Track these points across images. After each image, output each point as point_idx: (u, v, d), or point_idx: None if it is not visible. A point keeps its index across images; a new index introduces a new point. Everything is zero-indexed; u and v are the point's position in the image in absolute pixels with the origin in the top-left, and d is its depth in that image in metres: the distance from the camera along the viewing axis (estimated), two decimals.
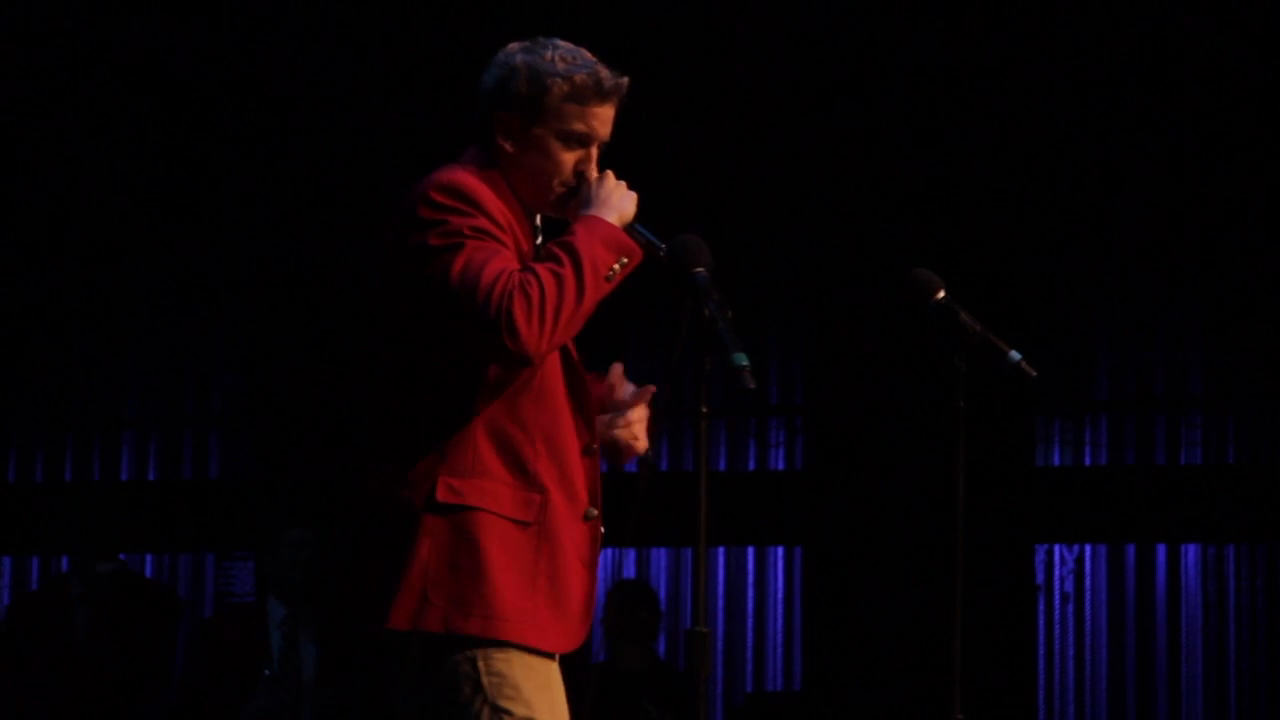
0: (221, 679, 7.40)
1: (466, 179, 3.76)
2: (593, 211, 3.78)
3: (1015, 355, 4.39)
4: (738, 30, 8.47)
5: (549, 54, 3.83)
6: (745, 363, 3.65)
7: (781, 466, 9.16)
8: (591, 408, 3.88)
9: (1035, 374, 4.37)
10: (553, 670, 3.80)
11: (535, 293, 3.63)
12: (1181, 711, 8.91)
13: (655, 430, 3.96)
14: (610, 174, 3.86)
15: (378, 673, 3.81)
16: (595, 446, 3.87)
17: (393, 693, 3.79)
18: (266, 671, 7.36)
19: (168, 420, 9.56)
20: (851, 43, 8.56)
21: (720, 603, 9.23)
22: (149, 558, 9.50)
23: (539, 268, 3.67)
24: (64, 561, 9.20)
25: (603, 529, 3.89)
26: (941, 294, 4.42)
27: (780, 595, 9.24)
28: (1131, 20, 8.41)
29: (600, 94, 3.83)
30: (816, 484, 8.77)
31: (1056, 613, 8.99)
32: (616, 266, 3.73)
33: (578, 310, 3.69)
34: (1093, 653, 8.99)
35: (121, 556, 8.61)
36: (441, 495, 3.71)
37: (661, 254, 3.76)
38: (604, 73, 3.83)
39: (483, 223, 3.71)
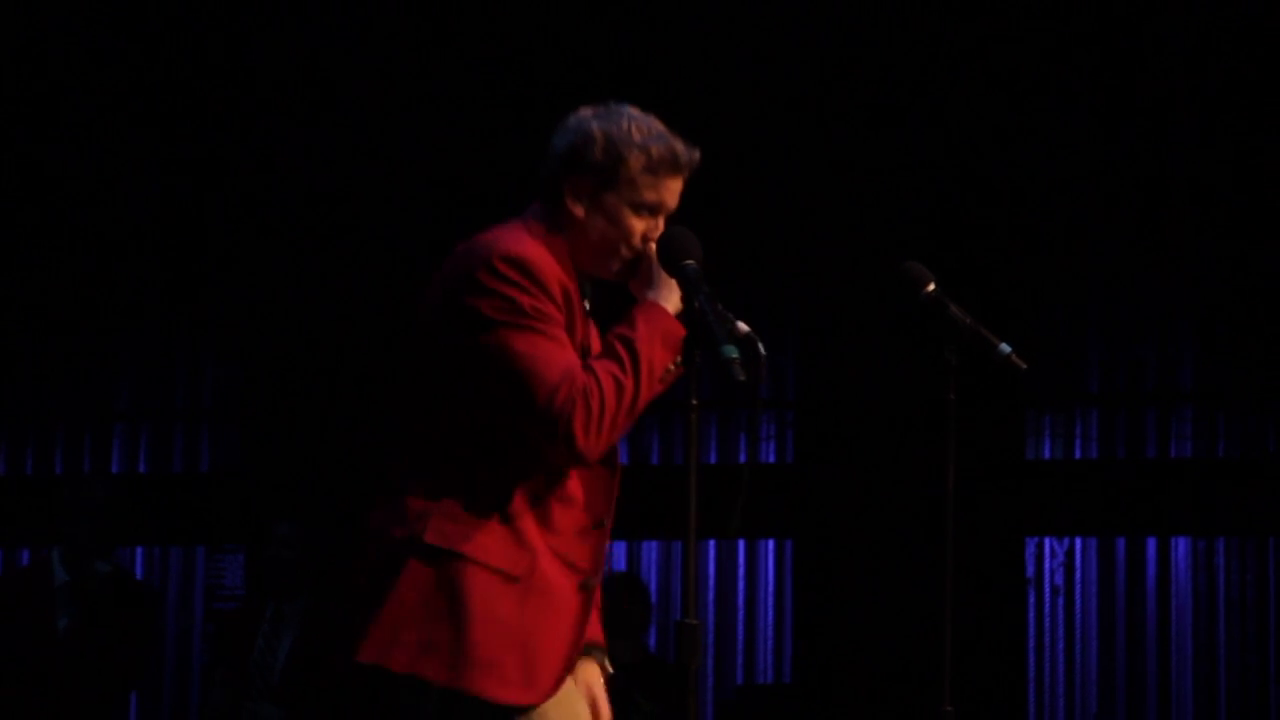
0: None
1: (532, 252, 3.75)
2: (654, 295, 3.80)
3: (1006, 348, 4.39)
4: (729, 22, 8.47)
5: (625, 124, 3.84)
6: (735, 355, 3.66)
7: (773, 459, 9.16)
8: (614, 482, 3.87)
9: (1026, 367, 4.37)
10: (570, 690, 3.80)
11: (596, 404, 3.65)
12: (1171, 704, 8.92)
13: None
14: None
15: (347, 701, 3.80)
16: (607, 522, 3.86)
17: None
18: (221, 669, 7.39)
19: (158, 413, 9.56)
20: (841, 35, 8.56)
21: (711, 595, 9.24)
22: (139, 550, 9.50)
23: (601, 372, 3.68)
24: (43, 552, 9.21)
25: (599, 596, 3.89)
26: (932, 287, 4.42)
27: (771, 588, 9.25)
28: (1126, 16, 8.41)
29: (675, 168, 3.85)
30: (807, 477, 8.77)
31: (1047, 605, 9.00)
32: (671, 367, 3.77)
33: (632, 415, 3.73)
34: (1083, 645, 9.00)
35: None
36: (431, 538, 3.70)
37: (696, 306, 3.73)
38: (680, 147, 3.85)
39: (545, 305, 3.71)
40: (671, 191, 3.87)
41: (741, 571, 9.28)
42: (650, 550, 9.25)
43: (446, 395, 3.74)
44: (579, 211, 3.83)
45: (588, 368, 3.69)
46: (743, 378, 3.65)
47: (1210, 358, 8.86)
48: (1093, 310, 8.85)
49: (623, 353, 3.71)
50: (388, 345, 8.40)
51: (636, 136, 3.83)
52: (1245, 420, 8.87)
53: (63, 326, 9.29)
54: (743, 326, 3.77)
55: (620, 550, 9.20)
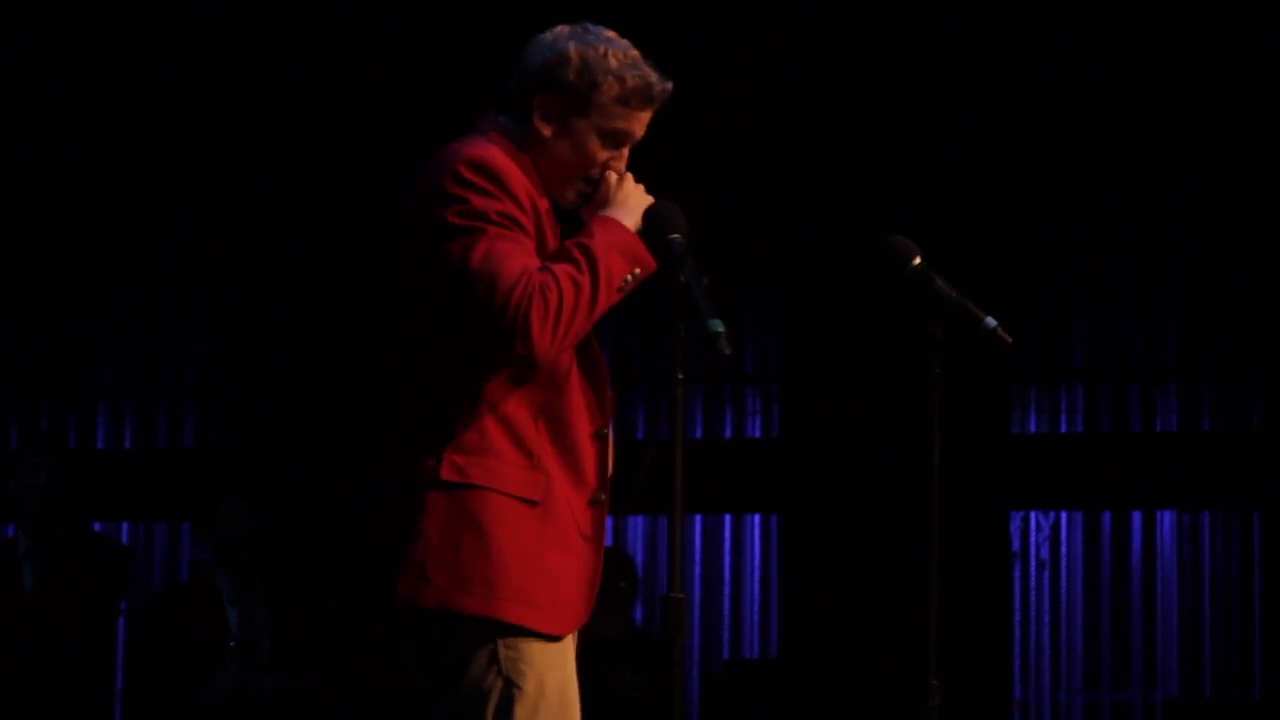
0: (176, 654, 7.39)
1: (497, 158, 3.74)
2: (610, 213, 3.78)
3: (991, 322, 4.39)
4: (718, 7, 8.47)
5: (602, 48, 3.81)
6: (721, 329, 3.65)
7: (758, 434, 9.16)
8: (606, 390, 3.86)
9: (1011, 341, 4.37)
10: (565, 648, 3.79)
11: (554, 300, 3.62)
12: (1156, 677, 8.94)
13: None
14: (630, 176, 3.85)
15: (393, 646, 3.80)
16: (607, 431, 3.85)
17: (411, 664, 3.78)
18: (231, 644, 7.35)
19: (143, 389, 9.54)
20: (828, 16, 8.55)
21: (697, 570, 9.24)
22: (124, 525, 9.49)
23: (558, 272, 3.65)
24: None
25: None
26: (917, 261, 4.42)
27: (757, 563, 9.25)
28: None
29: (648, 100, 3.83)
30: (793, 452, 8.77)
31: (1032, 579, 9.01)
32: (630, 277, 3.73)
33: (589, 318, 3.70)
34: (1068, 619, 9.02)
35: (98, 526, 8.62)
36: (446, 473, 3.70)
37: (681, 280, 3.73)
38: (654, 78, 3.83)
39: (509, 208, 3.69)
40: (640, 122, 3.85)
41: (728, 546, 9.28)
42: (636, 525, 9.25)
43: (427, 311, 3.73)
44: (546, 131, 3.81)
45: (544, 268, 3.66)
46: (729, 352, 3.65)
47: (1195, 331, 8.87)
48: (1077, 284, 8.85)
49: (579, 256, 3.69)
50: (372, 308, 8.39)
51: (613, 63, 3.81)
52: (1230, 394, 8.88)
53: (47, 302, 9.27)
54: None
55: (606, 525, 9.19)
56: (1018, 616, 8.93)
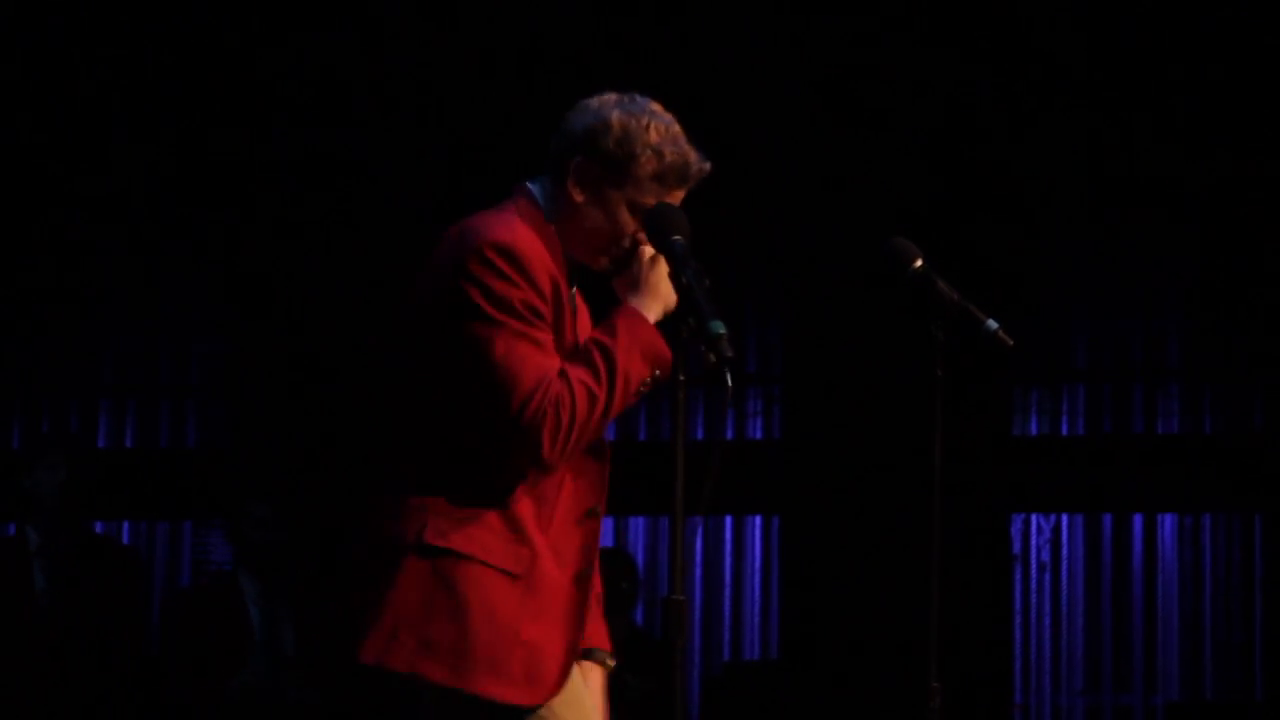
0: (201, 650, 7.39)
1: (523, 242, 3.70)
2: (638, 301, 3.76)
3: (993, 324, 4.38)
4: (720, 9, 8.47)
5: (645, 120, 3.78)
6: (723, 330, 3.64)
7: (759, 436, 9.17)
8: (604, 470, 3.84)
9: (1013, 343, 4.37)
10: (575, 682, 3.77)
11: (567, 415, 3.62)
12: (1157, 679, 8.94)
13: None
14: (663, 259, 3.80)
15: (357, 700, 3.79)
16: (599, 510, 3.83)
17: None
18: (259, 639, 7.35)
19: (145, 388, 9.55)
20: (831, 16, 8.55)
21: (698, 572, 9.24)
22: (126, 525, 9.50)
23: (575, 382, 3.64)
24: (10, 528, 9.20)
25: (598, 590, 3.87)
26: (919, 263, 4.41)
27: (758, 564, 9.26)
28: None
29: (683, 180, 3.81)
30: (794, 453, 8.77)
31: (1033, 581, 9.02)
32: (648, 380, 3.73)
33: (601, 427, 3.71)
34: (1069, 621, 9.02)
35: (99, 526, 8.62)
36: (430, 537, 3.67)
37: (684, 282, 3.69)
38: (692, 158, 3.81)
39: (531, 297, 3.66)
40: (674, 199, 3.81)
41: (729, 547, 9.29)
42: (637, 526, 9.25)
43: (436, 386, 3.71)
44: (578, 197, 3.78)
45: (562, 374, 3.65)
46: (730, 354, 3.64)
47: (1196, 333, 8.86)
48: (1079, 286, 8.85)
49: (599, 362, 3.68)
50: (375, 322, 8.39)
51: (654, 137, 3.78)
52: (1231, 396, 8.88)
53: (49, 302, 9.28)
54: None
55: (607, 526, 9.17)
56: (1019, 619, 8.94)
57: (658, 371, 3.73)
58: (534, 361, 3.63)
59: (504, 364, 3.62)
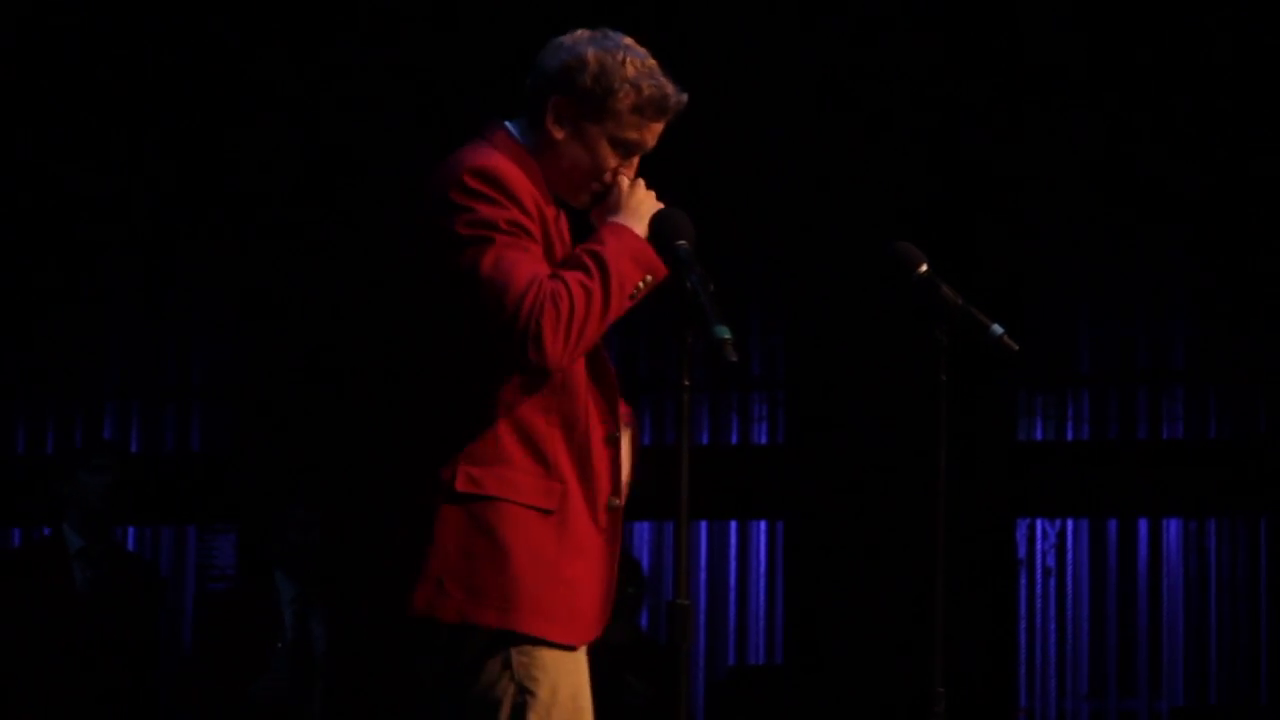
0: (230, 654, 7.39)
1: (502, 165, 3.73)
2: (621, 220, 3.78)
3: (997, 329, 4.39)
4: (720, 8, 8.47)
5: (621, 55, 3.80)
6: (727, 336, 3.64)
7: (764, 440, 9.16)
8: (615, 394, 3.85)
9: (1017, 348, 4.37)
10: (579, 655, 3.79)
11: (565, 307, 3.62)
12: (1162, 685, 8.93)
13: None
14: (641, 183, 3.85)
15: (405, 655, 3.80)
16: (618, 435, 3.84)
17: (424, 675, 3.77)
18: (279, 644, 7.35)
19: (149, 392, 9.54)
20: (834, 18, 8.55)
21: (703, 576, 9.24)
22: (130, 530, 9.49)
23: (569, 279, 3.65)
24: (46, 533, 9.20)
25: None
26: (923, 268, 4.41)
27: (763, 569, 9.25)
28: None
29: (662, 111, 3.82)
30: (799, 458, 8.77)
31: (1038, 587, 9.01)
32: (641, 284, 3.73)
33: (601, 325, 3.69)
34: (1074, 627, 9.01)
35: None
36: (461, 485, 3.69)
37: (688, 286, 3.70)
38: (670, 90, 3.82)
39: (515, 215, 3.68)
40: (653, 132, 3.84)
41: (733, 552, 9.28)
42: (642, 531, 9.25)
43: (439, 321, 3.72)
44: (558, 134, 3.80)
45: (555, 275, 3.66)
46: (735, 359, 3.64)
47: (1201, 337, 8.86)
48: (1084, 291, 8.84)
49: (590, 263, 3.69)
50: (380, 321, 8.39)
51: (630, 71, 3.79)
52: (1237, 400, 8.87)
53: (53, 304, 9.28)
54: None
55: None
56: (1023, 624, 8.93)
57: (649, 276, 3.74)
58: (524, 265, 3.64)
59: (495, 273, 3.63)
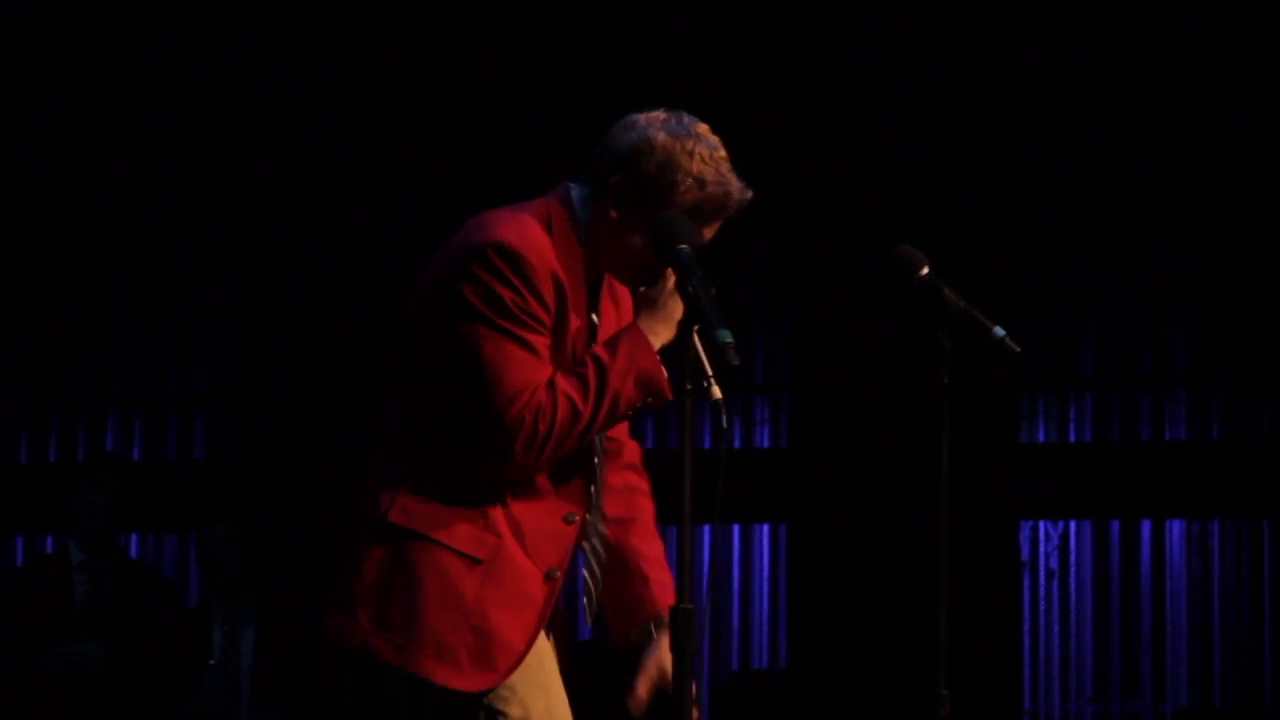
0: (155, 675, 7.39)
1: (531, 245, 3.68)
2: (649, 323, 3.75)
3: (999, 331, 4.38)
4: (727, 8, 8.46)
5: (690, 144, 3.73)
6: (730, 339, 3.64)
7: (767, 444, 9.16)
8: (587, 482, 3.83)
9: (1019, 350, 4.36)
10: (545, 668, 3.78)
11: (545, 427, 3.62)
12: (1166, 687, 8.93)
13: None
14: None
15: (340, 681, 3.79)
16: (578, 517, 3.82)
17: (346, 698, 3.75)
18: (211, 662, 7.35)
19: (152, 400, 9.54)
20: (837, 21, 8.55)
21: (705, 580, 9.23)
22: (134, 537, 9.49)
23: (561, 395, 3.64)
24: (49, 542, 9.20)
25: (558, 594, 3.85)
26: (925, 271, 4.41)
27: (766, 573, 9.24)
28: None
29: (721, 211, 3.78)
30: (802, 462, 8.76)
31: (1041, 589, 9.00)
32: (639, 404, 3.73)
33: (582, 440, 3.70)
34: (1078, 629, 9.00)
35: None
36: (395, 516, 3.69)
37: (690, 290, 3.62)
38: (734, 188, 3.77)
39: (530, 303, 3.65)
40: (710, 230, 3.79)
41: (736, 556, 9.27)
42: None
43: (424, 376, 3.72)
44: (613, 214, 3.75)
45: (550, 384, 3.65)
46: (737, 362, 3.63)
47: (1204, 340, 8.85)
48: (1086, 293, 8.84)
49: (592, 379, 3.68)
50: (382, 331, 8.39)
51: (696, 166, 3.74)
52: (1240, 402, 8.87)
53: (56, 313, 9.28)
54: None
55: None
56: (1027, 626, 8.92)
57: (649, 400, 3.73)
58: (522, 366, 3.63)
59: (492, 366, 3.62)
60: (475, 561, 3.69)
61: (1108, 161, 8.57)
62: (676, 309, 3.75)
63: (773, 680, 8.86)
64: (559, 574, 3.80)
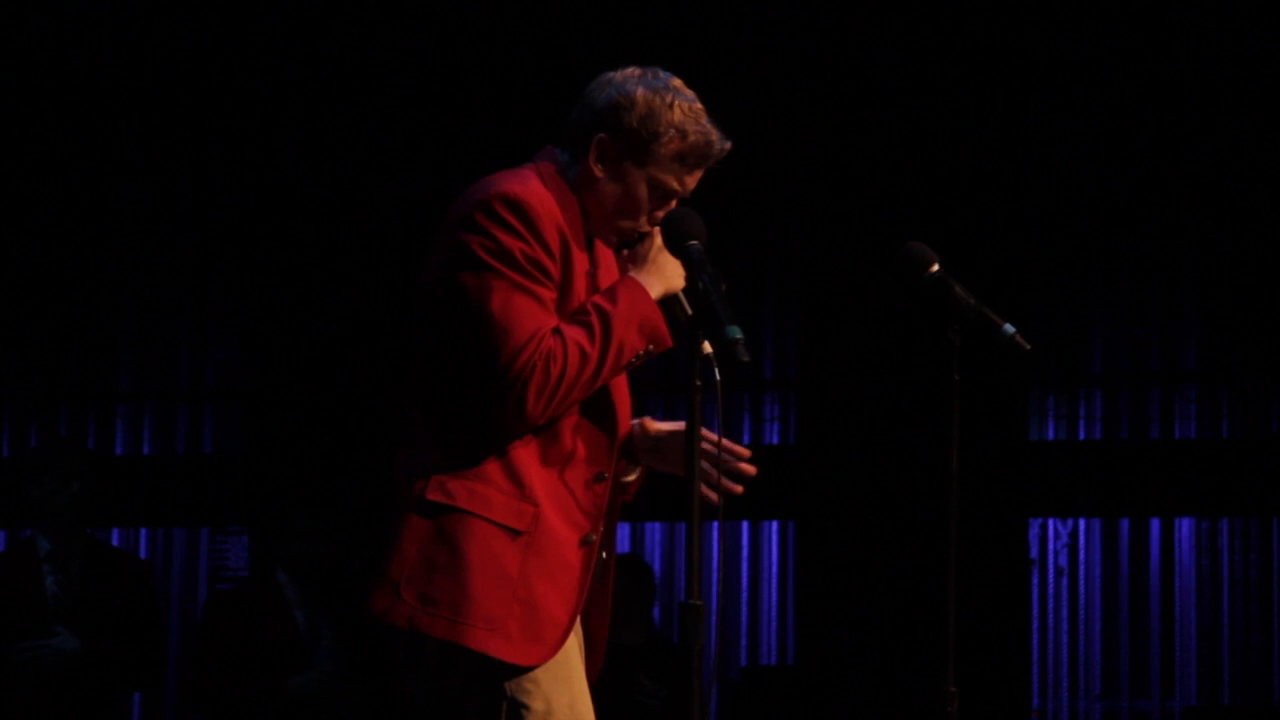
0: (246, 651, 7.36)
1: (535, 196, 3.72)
2: (643, 276, 3.77)
3: (1009, 328, 4.38)
4: (730, 11, 8.46)
5: (670, 97, 3.78)
6: (739, 336, 3.64)
7: (776, 441, 9.15)
8: (617, 434, 3.85)
9: (1029, 347, 4.36)
10: (572, 662, 3.78)
11: (556, 371, 3.64)
12: (1175, 685, 8.92)
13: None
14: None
15: (394, 662, 3.81)
16: (607, 475, 3.83)
17: (411, 682, 3.77)
18: (321, 641, 7.33)
19: (162, 394, 9.54)
20: (843, 15, 8.55)
21: (714, 577, 9.23)
22: (143, 532, 9.49)
23: (569, 340, 3.66)
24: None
25: (604, 554, 3.86)
26: (935, 267, 4.41)
27: (774, 569, 9.24)
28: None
29: (705, 159, 3.82)
30: (811, 458, 8.76)
31: (1050, 586, 9.00)
32: (642, 353, 3.73)
33: (589, 389, 3.71)
34: (1086, 626, 9.00)
35: (116, 533, 8.62)
36: (432, 494, 3.70)
37: (699, 286, 3.69)
38: (714, 137, 3.80)
39: (536, 251, 3.68)
40: (693, 179, 3.83)
41: (745, 553, 9.27)
42: (653, 531, 9.24)
43: (441, 339, 3.73)
44: (598, 171, 3.79)
45: (557, 331, 3.66)
46: (746, 359, 3.64)
47: (1214, 337, 8.84)
48: (1096, 290, 8.84)
49: (596, 324, 3.69)
50: (392, 326, 8.39)
51: (677, 115, 3.78)
52: (1249, 400, 8.86)
53: (66, 306, 9.28)
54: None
55: (624, 532, 9.19)
56: (1036, 624, 8.92)
57: (651, 346, 3.74)
58: (530, 315, 3.65)
59: (500, 315, 3.64)
60: (516, 533, 3.70)
61: (1117, 159, 8.56)
62: (665, 264, 3.79)
63: (781, 677, 8.86)
64: (595, 538, 3.80)
